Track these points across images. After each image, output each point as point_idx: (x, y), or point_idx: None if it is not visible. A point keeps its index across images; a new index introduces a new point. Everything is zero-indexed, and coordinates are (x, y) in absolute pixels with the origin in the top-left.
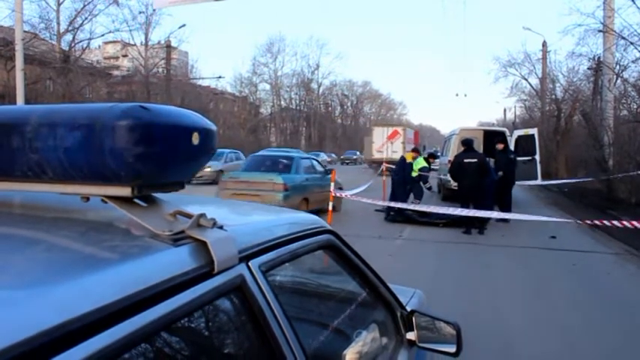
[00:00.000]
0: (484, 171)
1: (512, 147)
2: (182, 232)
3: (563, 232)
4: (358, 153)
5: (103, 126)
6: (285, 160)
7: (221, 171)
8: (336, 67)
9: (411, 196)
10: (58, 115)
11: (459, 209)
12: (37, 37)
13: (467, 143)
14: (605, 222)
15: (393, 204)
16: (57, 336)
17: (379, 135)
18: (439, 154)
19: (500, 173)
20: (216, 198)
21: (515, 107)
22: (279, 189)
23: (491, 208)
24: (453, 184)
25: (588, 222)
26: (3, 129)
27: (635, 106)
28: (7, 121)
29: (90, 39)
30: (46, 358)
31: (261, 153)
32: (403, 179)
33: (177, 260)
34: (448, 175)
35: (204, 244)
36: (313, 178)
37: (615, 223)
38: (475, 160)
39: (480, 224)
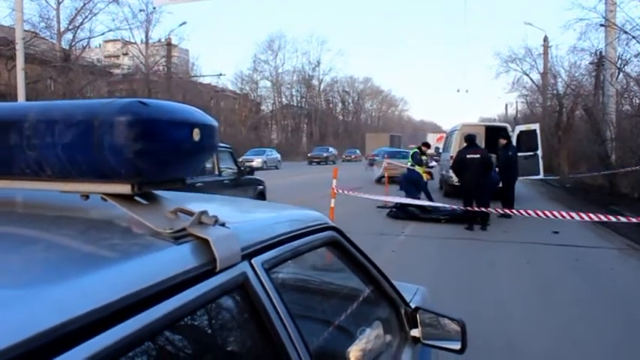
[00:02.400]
0: (487, 166)
1: (514, 142)
2: (183, 229)
3: (565, 227)
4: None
5: (101, 122)
6: (404, 152)
7: None
8: (337, 63)
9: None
10: (55, 111)
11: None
12: (38, 36)
13: (470, 139)
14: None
15: (402, 200)
16: (56, 337)
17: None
18: (440, 150)
19: (497, 169)
20: (217, 195)
21: (516, 103)
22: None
23: (488, 205)
24: (455, 180)
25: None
26: (1, 126)
27: (637, 101)
28: (5, 118)
29: (90, 37)
30: None
31: (390, 149)
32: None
33: (179, 258)
34: (450, 171)
35: (206, 241)
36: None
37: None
38: (478, 155)
39: (483, 220)
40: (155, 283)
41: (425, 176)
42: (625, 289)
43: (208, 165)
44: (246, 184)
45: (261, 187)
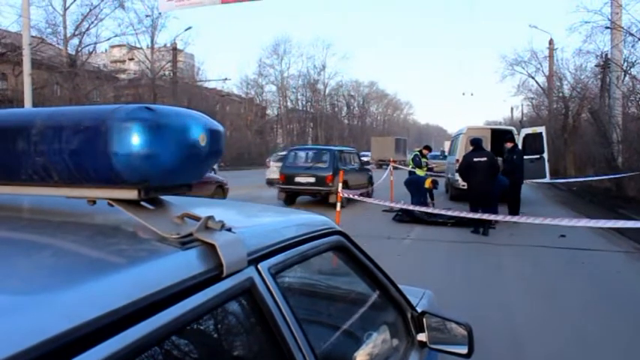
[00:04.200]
0: (494, 170)
1: (519, 145)
2: (190, 234)
3: (572, 230)
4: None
5: (108, 128)
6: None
7: None
8: (342, 67)
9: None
10: (62, 117)
11: (467, 212)
12: (44, 41)
13: (475, 142)
14: None
15: (400, 204)
16: (64, 342)
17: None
18: (446, 154)
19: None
20: (224, 200)
21: (522, 105)
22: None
23: (496, 210)
24: (461, 184)
25: None
26: (8, 132)
27: None
28: (12, 125)
29: (96, 43)
30: None
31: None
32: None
33: (186, 263)
34: (456, 174)
35: (212, 246)
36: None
37: None
38: (485, 158)
39: (485, 225)
40: (162, 288)
41: (427, 183)
42: (633, 292)
43: (348, 159)
44: (364, 170)
45: (370, 173)
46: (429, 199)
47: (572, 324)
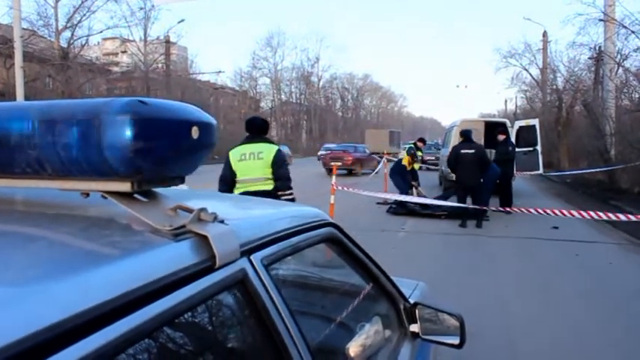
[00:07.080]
0: (482, 162)
1: (513, 137)
2: (183, 226)
3: (565, 222)
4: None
5: (101, 121)
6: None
7: None
8: (336, 60)
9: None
10: (56, 110)
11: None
12: (36, 34)
13: (465, 134)
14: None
15: (395, 196)
16: (58, 333)
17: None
18: (440, 145)
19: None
20: (217, 192)
21: (516, 98)
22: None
23: (487, 203)
24: (454, 176)
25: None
26: (1, 126)
27: (637, 96)
28: (6, 118)
29: (88, 35)
30: (47, 356)
31: (432, 144)
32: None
33: (178, 255)
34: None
35: (205, 238)
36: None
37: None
38: (473, 150)
39: (478, 217)
40: (155, 279)
41: (405, 160)
42: (625, 284)
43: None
44: None
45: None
46: (413, 184)
47: (566, 316)
